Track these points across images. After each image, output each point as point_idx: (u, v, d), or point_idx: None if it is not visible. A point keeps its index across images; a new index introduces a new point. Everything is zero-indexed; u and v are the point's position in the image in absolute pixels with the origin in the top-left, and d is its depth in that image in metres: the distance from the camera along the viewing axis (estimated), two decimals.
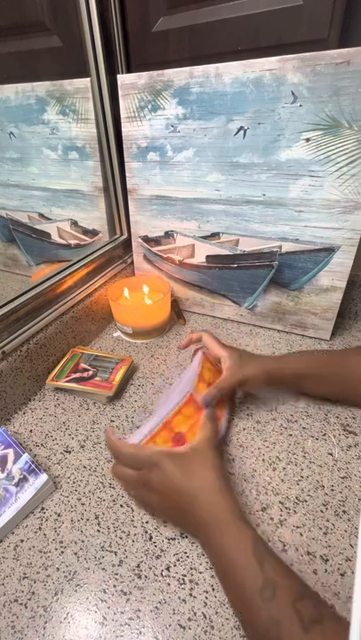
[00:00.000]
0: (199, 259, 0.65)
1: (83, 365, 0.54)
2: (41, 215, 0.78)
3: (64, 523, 0.37)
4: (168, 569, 0.33)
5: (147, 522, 0.37)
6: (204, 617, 0.30)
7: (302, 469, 0.41)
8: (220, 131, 0.52)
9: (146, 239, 0.69)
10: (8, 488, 0.38)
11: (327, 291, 0.57)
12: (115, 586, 0.32)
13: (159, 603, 0.31)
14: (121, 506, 0.38)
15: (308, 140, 0.48)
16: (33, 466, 0.40)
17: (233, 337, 0.64)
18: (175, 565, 0.33)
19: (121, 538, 0.36)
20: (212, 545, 0.32)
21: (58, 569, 0.34)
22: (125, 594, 0.32)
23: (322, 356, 0.49)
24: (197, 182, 0.58)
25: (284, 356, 0.53)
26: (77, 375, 0.52)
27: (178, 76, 0.52)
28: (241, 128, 0.51)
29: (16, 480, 0.39)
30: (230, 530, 0.31)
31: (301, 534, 0.35)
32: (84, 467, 0.43)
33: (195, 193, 0.59)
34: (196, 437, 0.38)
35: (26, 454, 0.41)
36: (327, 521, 0.36)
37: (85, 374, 0.53)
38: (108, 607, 0.31)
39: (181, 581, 0.32)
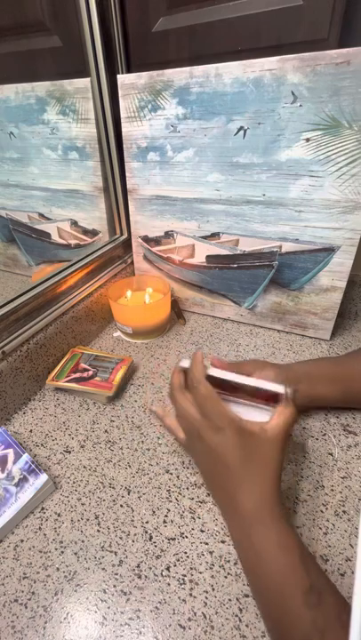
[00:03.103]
0: (199, 259, 0.65)
1: (83, 365, 0.54)
2: (41, 215, 0.78)
3: (64, 523, 0.37)
4: (168, 569, 0.33)
5: (147, 522, 0.37)
6: (204, 617, 0.30)
7: (302, 469, 0.41)
8: (220, 131, 0.52)
9: (146, 239, 0.69)
10: (8, 488, 0.38)
11: (327, 291, 0.57)
12: (115, 586, 0.32)
13: (159, 603, 0.31)
14: (121, 506, 0.38)
15: (308, 140, 0.48)
16: (33, 466, 0.40)
17: (233, 337, 0.64)
18: (175, 565, 0.33)
19: (121, 538, 0.36)
20: (247, 535, 0.30)
21: (58, 569, 0.34)
22: (125, 594, 0.32)
23: (325, 358, 0.49)
24: (197, 182, 0.58)
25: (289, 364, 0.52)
26: (77, 375, 0.52)
27: (178, 76, 0.52)
28: (241, 128, 0.51)
29: (16, 480, 0.39)
30: (275, 526, 0.30)
31: (301, 534, 0.35)
32: (84, 467, 0.43)
33: (195, 193, 0.59)
34: (274, 420, 0.33)
35: (26, 454, 0.41)
36: (327, 521, 0.36)
37: (85, 374, 0.53)
38: (108, 607, 0.31)
39: (181, 581, 0.32)
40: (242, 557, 0.32)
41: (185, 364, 0.39)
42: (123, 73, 0.59)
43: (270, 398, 0.37)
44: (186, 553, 0.34)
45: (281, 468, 0.33)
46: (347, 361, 0.48)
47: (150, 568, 0.33)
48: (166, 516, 0.37)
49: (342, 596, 0.26)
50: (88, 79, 0.58)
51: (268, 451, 0.32)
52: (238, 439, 0.32)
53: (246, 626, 0.29)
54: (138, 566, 0.33)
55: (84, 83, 0.59)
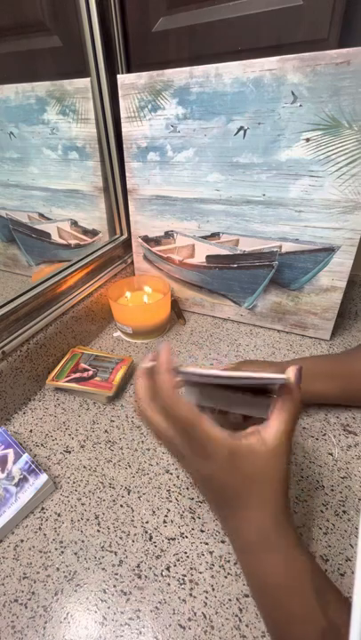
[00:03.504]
0: (199, 259, 0.65)
1: (83, 365, 0.54)
2: (41, 215, 0.78)
3: (64, 523, 0.37)
4: (168, 569, 0.33)
5: (147, 522, 0.37)
6: (204, 617, 0.30)
7: (302, 469, 0.41)
8: (220, 131, 0.52)
9: (146, 239, 0.69)
10: (8, 488, 0.38)
11: (327, 291, 0.57)
12: (115, 586, 0.32)
13: (159, 603, 0.31)
14: (121, 506, 0.38)
15: (308, 140, 0.48)
16: (33, 466, 0.40)
17: (233, 337, 0.64)
18: (175, 565, 0.33)
19: (121, 538, 0.36)
20: (253, 565, 0.28)
21: (58, 569, 0.34)
22: (125, 594, 0.32)
23: (324, 355, 0.48)
24: (197, 182, 0.58)
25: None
26: (77, 375, 0.52)
27: (178, 76, 0.52)
28: (241, 128, 0.51)
29: (16, 480, 0.39)
30: (282, 552, 0.26)
31: (302, 534, 0.35)
32: (84, 467, 0.43)
33: (195, 193, 0.59)
34: (272, 424, 0.27)
35: (26, 454, 0.41)
36: (327, 521, 0.36)
37: (85, 374, 0.53)
38: (108, 607, 0.31)
39: (181, 581, 0.32)
40: (251, 585, 0.29)
41: (148, 363, 0.30)
42: (123, 73, 0.59)
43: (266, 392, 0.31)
44: (186, 553, 0.34)
45: (287, 478, 0.28)
46: (346, 358, 0.48)
47: (150, 568, 0.33)
48: (166, 516, 0.37)
49: None
50: (88, 79, 0.58)
51: (268, 464, 0.27)
52: (233, 462, 0.26)
53: (246, 626, 0.29)
54: (138, 566, 0.33)
55: (84, 83, 0.59)
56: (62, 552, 0.35)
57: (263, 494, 0.27)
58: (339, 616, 0.23)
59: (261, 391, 0.31)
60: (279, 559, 0.26)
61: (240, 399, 0.32)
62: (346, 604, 0.24)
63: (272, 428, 0.27)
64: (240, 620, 0.30)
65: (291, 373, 0.27)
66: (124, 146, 0.61)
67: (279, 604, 0.26)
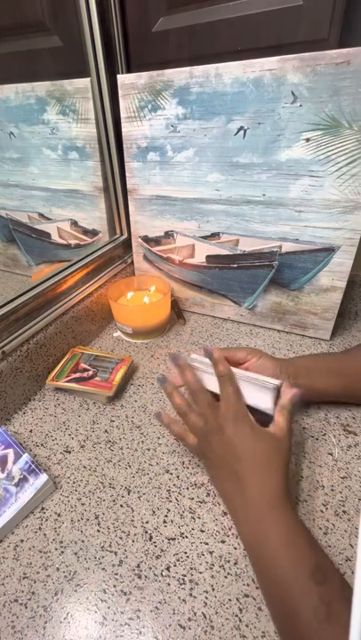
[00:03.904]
0: (199, 259, 0.65)
1: (83, 365, 0.54)
2: (41, 215, 0.78)
3: (64, 523, 0.37)
4: (168, 569, 0.33)
5: (147, 522, 0.37)
6: (204, 617, 0.30)
7: (302, 469, 0.41)
8: (220, 131, 0.52)
9: (146, 239, 0.69)
10: (8, 488, 0.38)
11: (327, 291, 0.57)
12: (115, 586, 0.32)
13: (159, 603, 0.31)
14: (121, 506, 0.38)
15: (308, 140, 0.48)
16: (33, 466, 0.40)
17: (233, 337, 0.64)
18: (175, 565, 0.33)
19: (121, 538, 0.36)
20: (257, 522, 0.32)
21: (58, 569, 0.34)
22: (125, 594, 0.32)
23: (325, 354, 0.49)
24: (197, 182, 0.58)
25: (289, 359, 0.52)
26: (77, 375, 0.52)
27: (178, 76, 0.52)
28: (241, 128, 0.51)
29: (16, 480, 0.39)
30: (284, 513, 0.32)
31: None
32: (84, 467, 0.43)
33: (195, 193, 0.59)
34: (277, 422, 0.37)
35: (26, 454, 0.41)
36: (327, 521, 0.36)
37: (85, 374, 0.53)
38: (108, 607, 0.31)
39: (181, 581, 0.32)
40: (250, 542, 0.33)
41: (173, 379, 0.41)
42: (123, 73, 0.59)
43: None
44: (186, 553, 0.34)
45: (289, 462, 0.35)
46: (347, 356, 0.48)
47: (150, 568, 0.33)
48: (166, 516, 0.37)
49: (342, 575, 0.30)
50: (88, 79, 0.58)
51: (277, 447, 0.35)
52: (253, 432, 0.35)
53: (246, 626, 0.29)
54: (138, 566, 0.33)
55: (84, 83, 0.59)
56: (62, 552, 0.35)
57: (272, 465, 0.34)
58: (325, 560, 0.29)
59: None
60: (280, 520, 0.31)
61: (250, 383, 0.39)
62: (327, 555, 0.30)
63: (278, 424, 0.36)
64: (240, 620, 0.30)
65: (290, 392, 0.38)
66: (124, 146, 0.61)
67: (277, 558, 0.30)
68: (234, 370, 0.39)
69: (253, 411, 0.38)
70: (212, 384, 0.40)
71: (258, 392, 0.38)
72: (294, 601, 0.27)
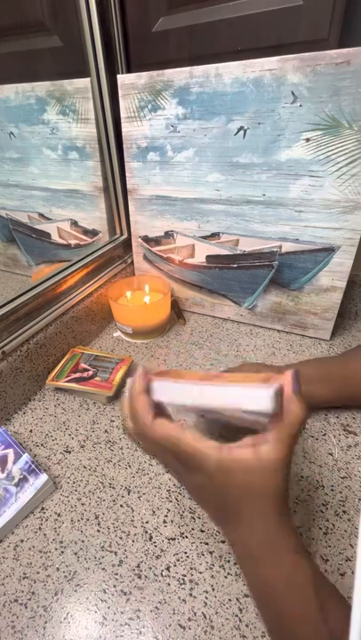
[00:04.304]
0: (199, 259, 0.65)
1: (83, 365, 0.54)
2: (41, 215, 0.78)
3: (64, 523, 0.37)
4: (168, 569, 0.33)
5: (147, 522, 0.37)
6: (204, 617, 0.30)
7: (302, 469, 0.41)
8: (220, 131, 0.52)
9: (146, 239, 0.69)
10: (8, 488, 0.38)
11: (327, 291, 0.57)
12: (115, 586, 0.32)
13: (159, 603, 0.31)
14: (121, 506, 0.38)
15: (308, 140, 0.48)
16: (33, 466, 0.40)
17: (233, 337, 0.64)
18: (175, 565, 0.33)
19: (121, 538, 0.36)
20: (255, 575, 0.27)
21: (58, 569, 0.34)
22: (125, 594, 0.32)
23: (319, 359, 0.48)
24: (197, 182, 0.58)
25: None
26: (77, 375, 0.52)
27: (178, 76, 0.52)
28: (241, 128, 0.51)
29: (16, 480, 0.39)
30: (284, 563, 0.25)
31: (301, 534, 0.35)
32: (84, 467, 0.43)
33: (195, 193, 0.59)
34: (270, 440, 0.25)
35: (26, 454, 0.41)
36: (327, 521, 0.36)
37: (85, 374, 0.53)
38: (108, 607, 0.31)
39: (181, 581, 0.32)
40: (252, 593, 0.28)
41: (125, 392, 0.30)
42: (123, 73, 0.59)
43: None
44: (186, 553, 0.34)
45: (286, 493, 0.27)
46: (342, 360, 0.48)
47: (150, 568, 0.33)
48: (166, 516, 0.37)
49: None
50: (88, 79, 0.58)
51: (265, 479, 0.25)
52: (223, 476, 0.26)
53: (246, 626, 0.29)
54: (138, 566, 0.33)
55: (84, 83, 0.59)
56: (62, 552, 0.35)
57: (261, 508, 0.26)
58: (340, 624, 0.23)
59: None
60: (280, 572, 0.26)
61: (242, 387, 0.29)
62: (348, 610, 0.24)
63: (270, 442, 0.25)
64: (240, 620, 0.30)
65: (287, 379, 0.27)
66: (124, 146, 0.61)
67: (281, 613, 0.25)
68: (219, 394, 0.28)
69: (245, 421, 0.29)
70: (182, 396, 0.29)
71: (254, 392, 0.27)
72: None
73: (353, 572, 0.29)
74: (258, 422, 0.28)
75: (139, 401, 0.28)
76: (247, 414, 0.27)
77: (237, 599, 0.31)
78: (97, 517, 0.37)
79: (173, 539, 0.35)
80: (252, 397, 0.27)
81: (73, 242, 0.78)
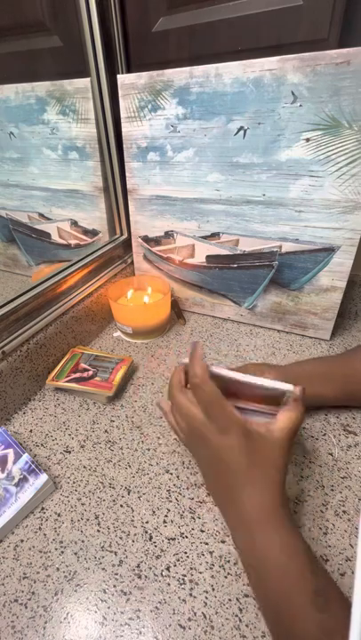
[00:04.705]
0: (199, 259, 0.65)
1: (83, 365, 0.54)
2: (41, 215, 0.78)
3: (64, 523, 0.37)
4: (168, 569, 0.33)
5: (147, 522, 0.37)
6: (204, 617, 0.30)
7: (302, 469, 0.41)
8: (220, 131, 0.52)
9: (146, 239, 0.69)
10: (8, 488, 0.38)
11: (327, 291, 0.57)
12: (115, 586, 0.32)
13: (159, 603, 0.31)
14: (121, 506, 0.38)
15: (308, 140, 0.48)
16: (33, 466, 0.40)
17: (233, 337, 0.64)
18: (175, 565, 0.33)
19: (121, 538, 0.36)
20: (251, 539, 0.30)
21: (58, 569, 0.34)
22: (125, 594, 0.32)
23: (322, 358, 0.48)
24: (197, 182, 0.58)
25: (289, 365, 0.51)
26: (77, 375, 0.52)
27: (178, 76, 0.52)
28: (241, 128, 0.51)
29: (16, 480, 0.39)
30: (280, 530, 0.29)
31: (301, 534, 0.35)
32: (84, 467, 0.43)
33: (195, 193, 0.59)
34: (280, 421, 0.32)
35: (26, 454, 0.41)
36: (327, 521, 0.36)
37: (85, 374, 0.53)
38: (108, 607, 0.31)
39: (181, 581, 0.32)
40: (245, 561, 0.31)
41: (186, 360, 0.36)
42: (123, 73, 0.59)
43: (273, 402, 0.36)
44: (186, 553, 0.34)
45: (286, 470, 0.32)
46: (343, 359, 0.48)
47: (150, 568, 0.33)
48: (166, 516, 0.37)
49: (349, 601, 0.26)
50: (88, 79, 0.58)
51: (273, 453, 0.31)
52: (244, 442, 0.31)
53: (246, 626, 0.29)
54: (138, 566, 0.33)
55: (84, 83, 0.59)
56: (62, 552, 0.35)
57: (266, 477, 0.31)
58: (327, 584, 0.26)
59: (268, 402, 0.36)
60: (275, 538, 0.29)
61: (250, 411, 0.36)
62: (329, 575, 0.28)
63: (279, 424, 0.32)
64: (240, 620, 0.30)
65: (297, 389, 0.34)
66: (124, 146, 0.61)
67: (273, 580, 0.28)
68: (257, 380, 0.34)
69: (262, 401, 0.35)
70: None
71: (282, 384, 0.34)
72: (292, 630, 0.25)
73: (353, 572, 0.29)
74: (276, 396, 0.35)
75: (201, 364, 0.33)
76: (272, 391, 0.34)
77: (237, 599, 0.31)
78: (97, 517, 0.37)
79: (173, 539, 0.35)
80: (281, 385, 0.34)
81: (73, 242, 0.78)
